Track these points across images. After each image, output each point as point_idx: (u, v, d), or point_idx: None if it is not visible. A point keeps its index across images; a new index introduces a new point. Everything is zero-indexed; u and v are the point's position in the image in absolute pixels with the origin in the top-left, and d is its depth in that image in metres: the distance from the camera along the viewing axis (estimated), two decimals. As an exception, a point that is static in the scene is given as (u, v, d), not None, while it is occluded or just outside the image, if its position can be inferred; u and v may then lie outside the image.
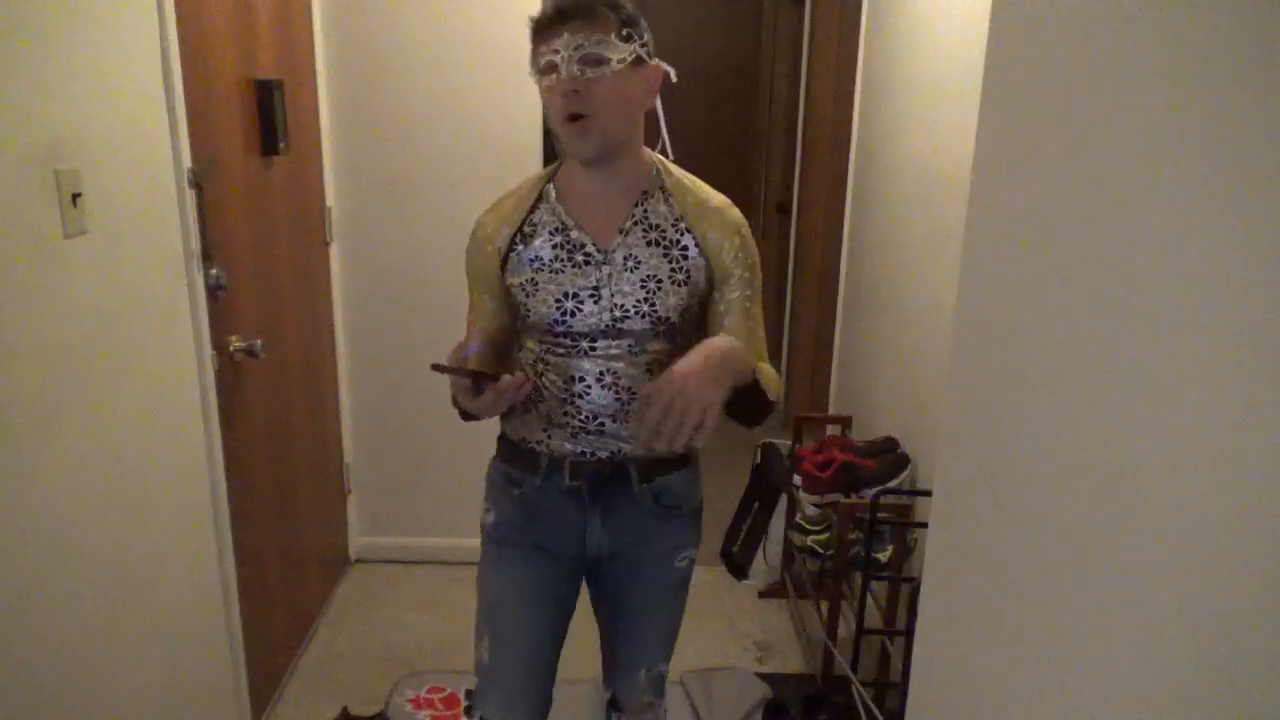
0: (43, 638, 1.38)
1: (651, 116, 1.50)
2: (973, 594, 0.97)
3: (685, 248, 1.43)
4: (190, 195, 1.79)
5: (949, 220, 2.14)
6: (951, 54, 2.16)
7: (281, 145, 2.26)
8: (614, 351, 1.43)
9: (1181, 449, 0.61)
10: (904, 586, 2.18)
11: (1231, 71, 0.57)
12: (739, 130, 5.09)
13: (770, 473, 3.04)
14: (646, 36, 1.37)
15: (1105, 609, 0.70)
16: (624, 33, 1.32)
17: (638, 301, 1.41)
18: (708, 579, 3.06)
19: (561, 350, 1.43)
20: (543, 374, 1.46)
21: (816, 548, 2.53)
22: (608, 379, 1.43)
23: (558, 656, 1.58)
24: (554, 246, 1.42)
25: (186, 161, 1.76)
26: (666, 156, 1.54)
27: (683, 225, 1.44)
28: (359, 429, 3.01)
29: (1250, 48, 0.56)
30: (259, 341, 2.07)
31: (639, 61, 1.35)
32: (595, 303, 1.41)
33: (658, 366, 1.44)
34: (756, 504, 3.07)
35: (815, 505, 2.45)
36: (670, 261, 1.42)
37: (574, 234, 1.42)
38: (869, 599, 2.18)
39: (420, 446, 3.00)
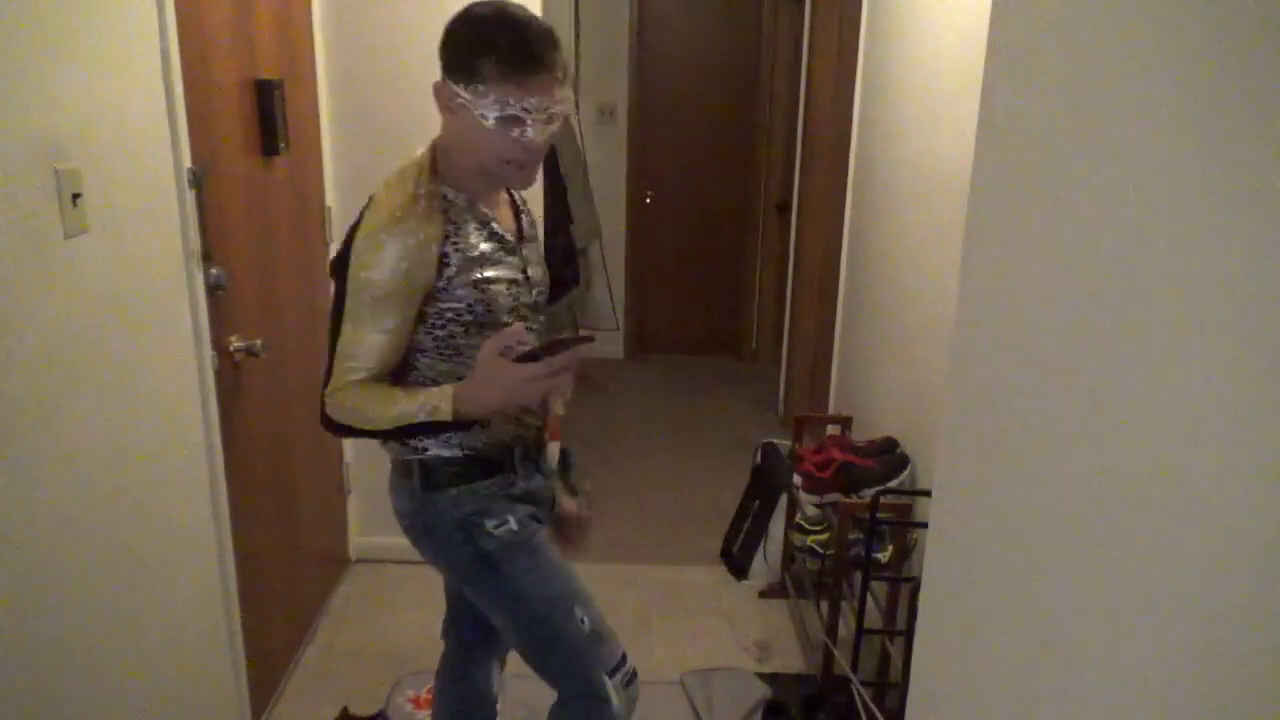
0: (42, 637, 1.38)
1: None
2: (973, 594, 0.97)
3: (534, 218, 1.63)
4: (190, 195, 1.79)
5: (949, 220, 2.14)
6: (951, 54, 2.16)
7: (281, 145, 2.25)
8: (534, 328, 1.54)
9: (1181, 448, 0.61)
10: (904, 586, 2.18)
11: (1231, 71, 0.57)
12: (739, 130, 5.09)
13: (770, 473, 3.05)
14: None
15: (1105, 608, 0.70)
16: (571, 81, 1.42)
17: (543, 277, 1.58)
18: (708, 579, 3.06)
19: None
20: None
21: (816, 548, 2.53)
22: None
23: None
24: (486, 239, 1.46)
25: (186, 161, 1.76)
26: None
27: (520, 195, 1.63)
28: (359, 429, 3.01)
29: (1250, 47, 0.56)
30: (259, 341, 2.07)
31: None
32: (526, 281, 1.53)
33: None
34: (756, 504, 3.08)
35: (815, 505, 2.46)
36: (534, 226, 1.61)
37: (495, 225, 1.48)
38: (869, 599, 2.18)
39: (420, 446, 3.00)
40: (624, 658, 1.57)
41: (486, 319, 1.45)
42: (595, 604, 1.57)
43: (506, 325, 1.46)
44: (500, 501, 1.55)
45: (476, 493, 1.53)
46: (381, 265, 1.35)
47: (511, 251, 1.49)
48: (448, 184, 1.44)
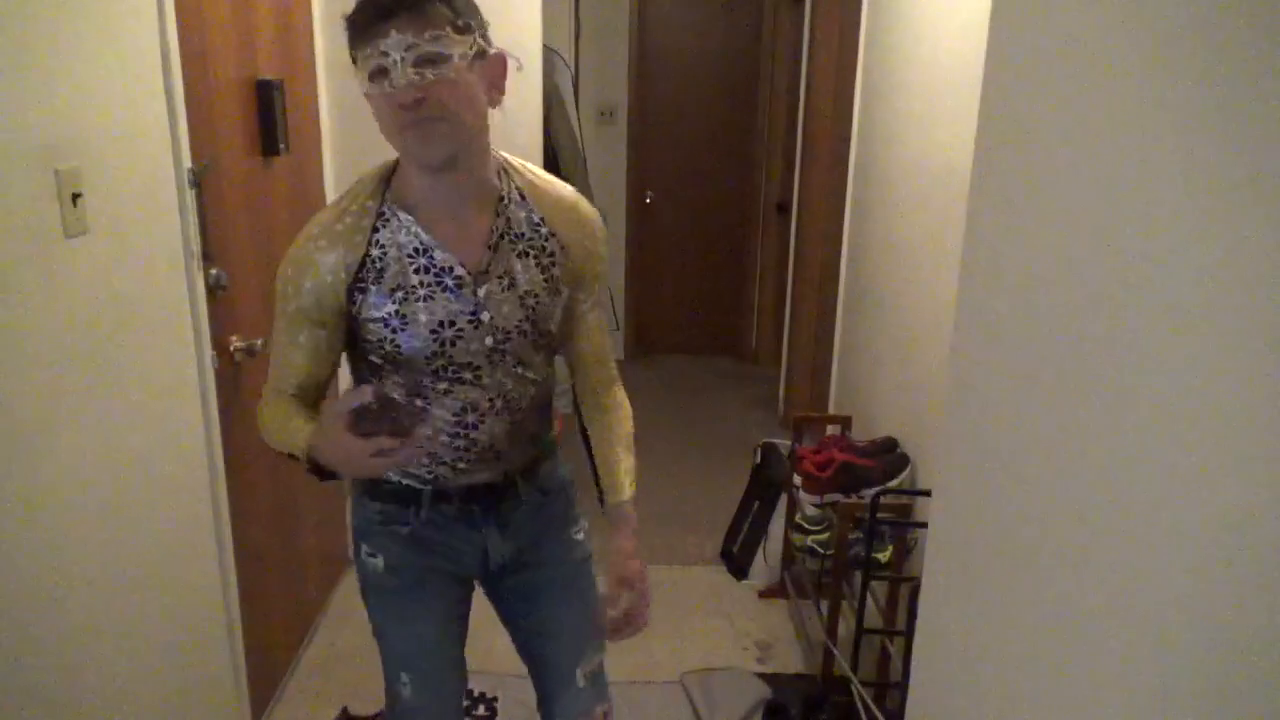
0: (42, 637, 1.38)
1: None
2: (973, 594, 0.97)
3: (552, 253, 1.33)
4: (190, 195, 1.79)
5: (949, 220, 2.14)
6: (951, 54, 2.16)
7: (281, 145, 2.26)
8: (499, 376, 1.32)
9: (1182, 448, 0.61)
10: (904, 586, 2.18)
11: (1231, 70, 0.57)
12: (739, 130, 5.09)
13: (770, 473, 3.04)
14: (483, 24, 1.22)
15: (1105, 607, 0.70)
16: (459, 23, 1.16)
17: (520, 321, 1.31)
18: (708, 579, 3.06)
19: (444, 384, 1.30)
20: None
21: (816, 548, 2.53)
22: (499, 403, 1.34)
23: (465, 665, 1.55)
24: (417, 270, 1.26)
25: (186, 161, 1.76)
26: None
27: (545, 230, 1.33)
28: (359, 429, 3.00)
29: (1250, 47, 0.56)
30: (259, 341, 2.07)
31: (480, 55, 1.20)
32: (475, 328, 1.28)
33: (540, 379, 1.39)
34: (756, 504, 3.08)
35: (815, 505, 2.45)
36: (543, 271, 1.32)
37: (438, 255, 1.26)
38: (869, 599, 2.18)
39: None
40: None
41: (400, 359, 1.28)
42: (435, 682, 1.47)
43: (424, 368, 1.29)
44: (379, 534, 1.44)
45: (368, 510, 1.45)
46: (291, 280, 1.27)
47: (453, 288, 1.27)
48: (396, 201, 1.27)
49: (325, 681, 2.49)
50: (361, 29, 1.16)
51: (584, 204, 1.40)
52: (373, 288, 1.26)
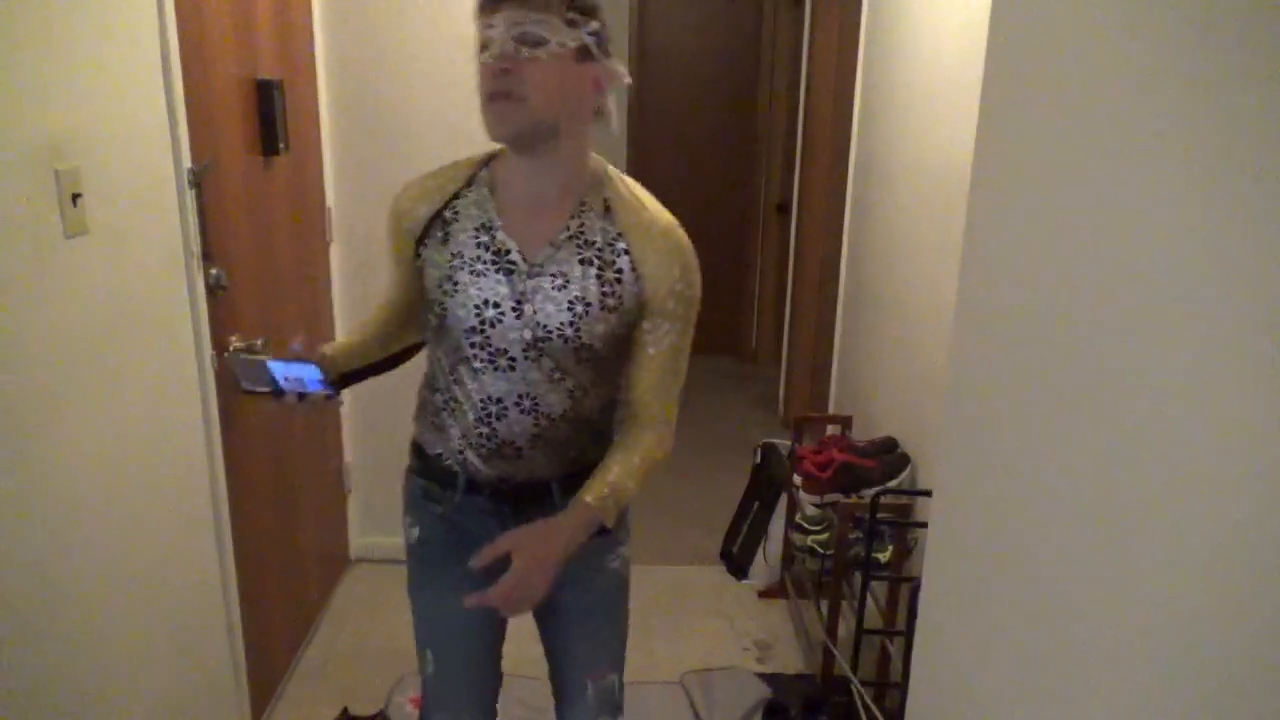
0: (43, 637, 1.38)
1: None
2: (973, 594, 0.97)
3: (620, 270, 1.30)
4: (190, 195, 1.79)
5: (949, 220, 2.14)
6: (951, 54, 2.16)
7: (281, 145, 2.26)
8: (534, 375, 1.31)
9: (1182, 447, 0.61)
10: (904, 586, 2.18)
11: (1231, 70, 0.57)
12: (739, 130, 5.09)
13: (770, 473, 3.05)
14: (600, 30, 1.26)
15: (1105, 607, 0.70)
16: (570, 17, 1.21)
17: (562, 324, 1.29)
18: (708, 579, 3.06)
19: (478, 364, 1.31)
20: (456, 391, 1.35)
21: (816, 548, 2.53)
22: (526, 403, 1.32)
23: (499, 665, 1.56)
24: (478, 245, 1.30)
25: (186, 161, 1.76)
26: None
27: (620, 245, 1.31)
28: (359, 429, 3.01)
29: (1249, 46, 0.56)
30: (259, 341, 2.07)
31: (585, 54, 1.24)
32: (516, 316, 1.29)
33: (580, 394, 1.35)
34: (756, 504, 3.08)
35: (815, 505, 2.45)
36: (603, 284, 1.29)
37: (499, 235, 1.30)
38: (869, 599, 2.18)
39: (420, 446, 3.00)
40: None
41: (446, 326, 1.31)
42: (455, 661, 1.49)
43: (466, 342, 1.31)
44: (419, 506, 1.47)
45: (414, 484, 1.48)
46: (388, 217, 1.39)
47: (505, 271, 1.29)
48: (489, 176, 1.33)
49: (325, 681, 2.49)
50: (483, 6, 1.23)
51: (678, 237, 1.34)
52: (436, 245, 1.32)
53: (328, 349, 1.40)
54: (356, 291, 2.89)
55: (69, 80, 1.42)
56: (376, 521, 3.11)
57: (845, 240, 3.15)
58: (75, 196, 1.41)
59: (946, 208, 2.16)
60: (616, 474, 1.33)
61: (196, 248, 1.82)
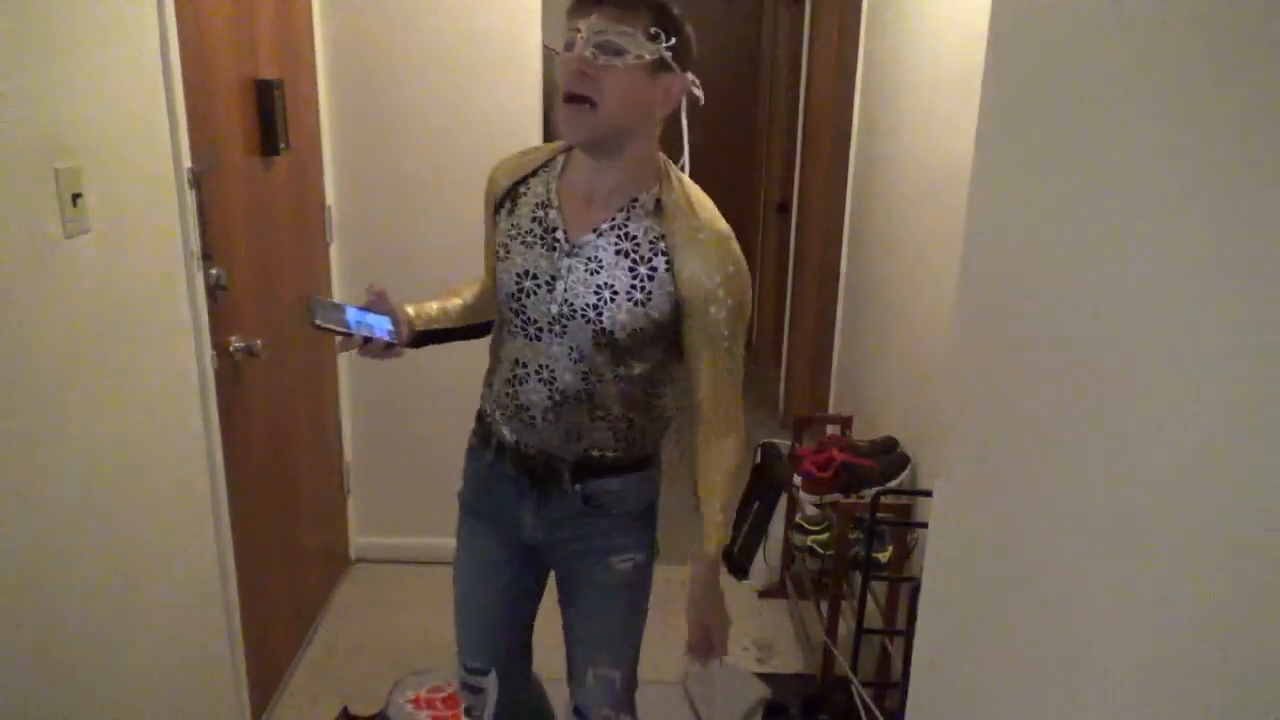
0: (43, 637, 1.38)
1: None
2: (973, 594, 0.97)
3: (655, 268, 1.36)
4: (190, 195, 1.79)
5: (949, 220, 2.13)
6: (951, 54, 2.16)
7: (281, 145, 2.25)
8: (555, 349, 1.40)
9: (1183, 447, 0.61)
10: (904, 586, 2.18)
11: (1231, 69, 0.57)
12: (739, 130, 5.09)
13: (770, 473, 3.04)
14: (680, 45, 1.32)
15: (1105, 607, 0.70)
16: (652, 31, 1.28)
17: (585, 306, 1.36)
18: (708, 579, 3.05)
19: (513, 329, 1.44)
20: (500, 351, 1.49)
21: (816, 548, 2.53)
22: (545, 374, 1.42)
23: (519, 627, 1.67)
24: (533, 219, 1.42)
25: (186, 161, 1.76)
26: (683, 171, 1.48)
27: (660, 246, 1.37)
28: (359, 429, 3.01)
29: (1250, 47, 0.56)
30: (259, 341, 2.07)
31: (662, 66, 1.30)
32: (549, 291, 1.39)
33: (595, 379, 1.40)
34: (756, 504, 3.07)
35: (815, 505, 2.45)
36: (635, 278, 1.36)
37: (552, 214, 1.41)
38: (869, 599, 2.18)
39: (420, 446, 3.00)
40: (474, 666, 1.63)
41: (499, 288, 1.45)
42: (467, 601, 1.63)
43: (507, 306, 1.43)
44: (469, 458, 1.60)
45: (472, 436, 1.59)
46: (486, 186, 1.51)
47: (549, 247, 1.39)
48: (568, 160, 1.44)
49: (325, 681, 2.49)
50: (576, 6, 1.31)
51: (726, 247, 1.39)
52: (505, 215, 1.46)
53: (410, 308, 1.49)
54: (357, 291, 2.89)
55: (69, 80, 1.42)
56: (376, 521, 3.11)
57: (845, 240, 3.15)
58: (75, 196, 1.41)
59: (947, 207, 2.16)
60: (712, 509, 1.53)
61: (196, 248, 1.82)
